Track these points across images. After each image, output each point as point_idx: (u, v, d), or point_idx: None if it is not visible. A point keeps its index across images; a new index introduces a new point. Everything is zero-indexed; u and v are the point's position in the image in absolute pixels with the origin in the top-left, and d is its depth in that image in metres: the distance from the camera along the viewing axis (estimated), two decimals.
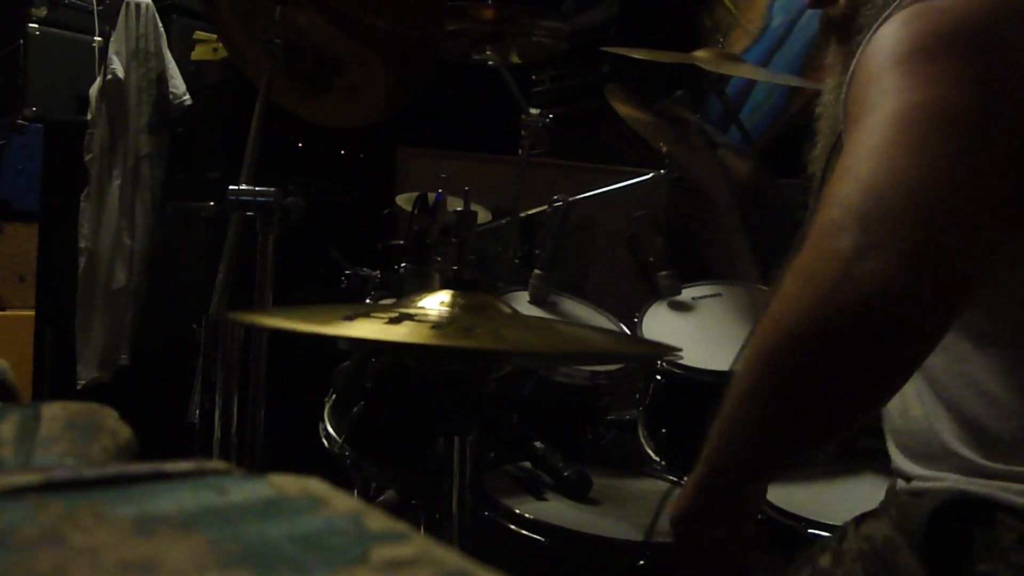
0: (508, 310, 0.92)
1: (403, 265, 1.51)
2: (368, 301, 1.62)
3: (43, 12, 2.97)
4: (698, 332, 1.58)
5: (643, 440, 1.46)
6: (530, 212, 1.91)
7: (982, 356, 0.79)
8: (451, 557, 0.25)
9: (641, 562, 1.06)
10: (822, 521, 1.10)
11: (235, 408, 1.32)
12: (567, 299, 1.68)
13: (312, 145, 2.56)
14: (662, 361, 1.42)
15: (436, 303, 0.87)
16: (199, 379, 1.49)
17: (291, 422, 1.52)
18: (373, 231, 1.74)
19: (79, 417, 0.40)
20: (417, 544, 0.26)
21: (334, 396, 1.47)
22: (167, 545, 0.25)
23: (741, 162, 2.10)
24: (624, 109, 1.92)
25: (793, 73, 2.50)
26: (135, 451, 0.40)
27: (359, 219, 2.52)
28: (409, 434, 1.32)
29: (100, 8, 2.92)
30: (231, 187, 1.32)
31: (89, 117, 2.67)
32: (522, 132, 2.01)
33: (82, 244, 2.64)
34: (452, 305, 0.86)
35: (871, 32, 0.80)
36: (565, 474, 1.22)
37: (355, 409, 1.34)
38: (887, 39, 0.77)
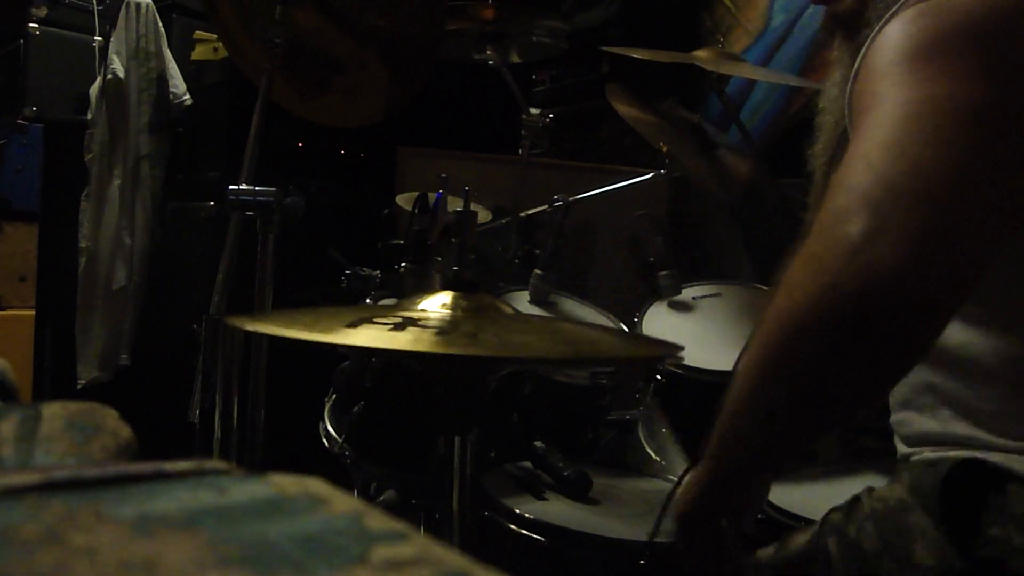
0: (510, 311, 0.92)
1: (403, 265, 1.50)
2: (368, 301, 1.62)
3: (43, 12, 2.97)
4: (698, 332, 1.58)
5: (643, 440, 1.46)
6: (530, 212, 1.90)
7: (976, 340, 0.80)
8: (451, 557, 0.25)
9: (641, 562, 1.06)
10: None
11: (235, 408, 1.32)
12: (567, 299, 1.68)
13: (312, 145, 2.56)
14: (663, 361, 1.42)
15: (437, 305, 0.86)
16: (199, 379, 1.49)
17: (291, 422, 1.52)
18: (373, 231, 1.74)
19: (79, 417, 0.40)
20: (417, 544, 0.26)
21: (334, 396, 1.47)
22: (167, 545, 0.25)
23: (741, 162, 2.09)
24: (624, 109, 1.91)
25: (793, 73, 2.49)
26: (135, 451, 0.40)
27: (359, 219, 2.52)
28: (409, 434, 1.32)
29: (100, 8, 2.91)
30: (231, 187, 1.32)
31: (89, 117, 2.67)
32: (522, 132, 2.00)
33: (82, 244, 2.64)
34: (454, 307, 0.85)
35: (878, 27, 0.80)
36: (565, 474, 1.22)
37: (355, 409, 1.34)
38: (895, 35, 0.77)
